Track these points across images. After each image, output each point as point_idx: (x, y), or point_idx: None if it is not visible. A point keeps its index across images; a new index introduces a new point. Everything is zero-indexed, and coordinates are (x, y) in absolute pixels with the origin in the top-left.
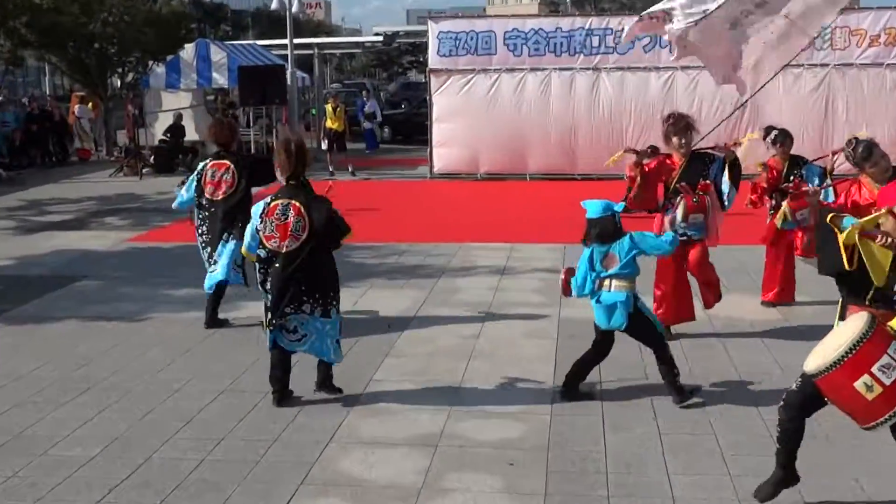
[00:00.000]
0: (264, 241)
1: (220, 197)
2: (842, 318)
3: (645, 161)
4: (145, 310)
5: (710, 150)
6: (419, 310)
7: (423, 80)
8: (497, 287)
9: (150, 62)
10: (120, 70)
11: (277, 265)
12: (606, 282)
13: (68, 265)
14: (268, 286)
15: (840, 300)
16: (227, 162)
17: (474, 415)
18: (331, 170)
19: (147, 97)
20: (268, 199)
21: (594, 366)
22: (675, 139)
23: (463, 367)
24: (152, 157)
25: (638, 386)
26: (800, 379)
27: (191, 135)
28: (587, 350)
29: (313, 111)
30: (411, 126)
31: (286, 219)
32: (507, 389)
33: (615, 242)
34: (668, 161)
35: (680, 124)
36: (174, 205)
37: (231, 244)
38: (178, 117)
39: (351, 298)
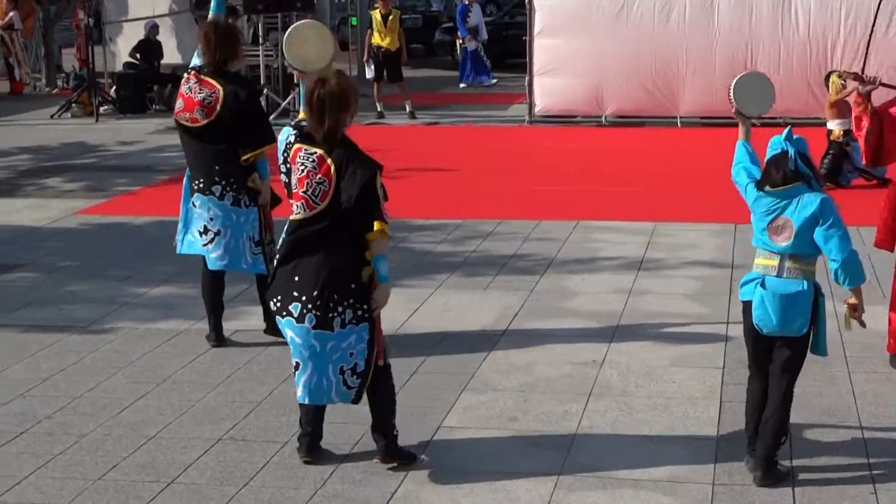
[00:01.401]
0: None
1: (199, 123)
2: None
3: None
4: (105, 316)
5: None
6: (512, 322)
7: None
8: (631, 289)
9: None
10: None
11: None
12: (773, 259)
13: None
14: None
15: None
16: (215, 83)
17: (595, 483)
18: (379, 108)
19: (106, 0)
20: (291, 134)
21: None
22: None
23: (579, 410)
24: (114, 90)
25: (845, 441)
26: None
27: (170, 56)
28: (749, 390)
29: (353, 21)
30: (500, 44)
31: (303, 171)
32: (646, 445)
33: (792, 199)
34: None
35: None
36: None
37: (214, 203)
38: (152, 30)
39: (410, 303)
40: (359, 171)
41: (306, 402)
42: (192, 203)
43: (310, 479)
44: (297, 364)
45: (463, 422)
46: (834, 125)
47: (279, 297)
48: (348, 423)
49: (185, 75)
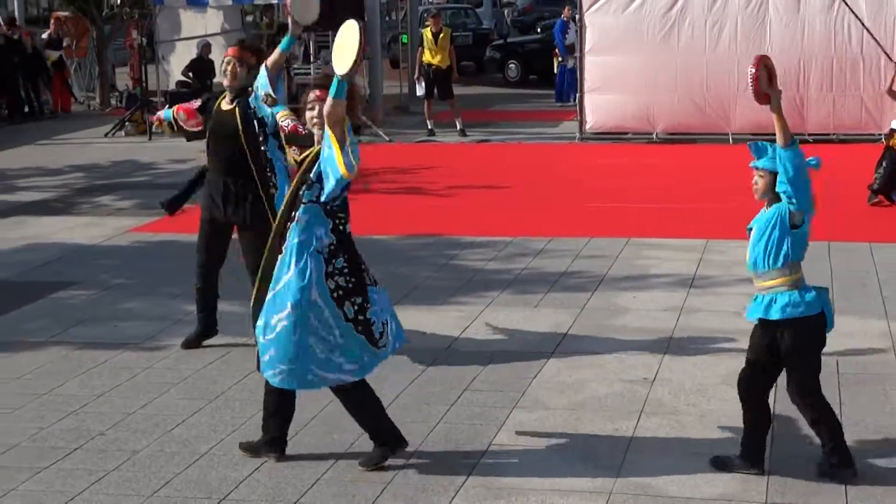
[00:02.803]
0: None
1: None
2: None
3: None
4: (158, 333)
5: None
6: (563, 340)
7: None
8: (682, 306)
9: None
10: None
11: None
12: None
13: (46, 267)
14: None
15: None
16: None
17: (647, 501)
18: (429, 125)
19: (159, 19)
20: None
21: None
22: None
23: (630, 427)
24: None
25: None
26: None
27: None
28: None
29: (404, 39)
30: (551, 60)
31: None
32: (697, 462)
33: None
34: None
35: None
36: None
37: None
38: (205, 48)
39: (461, 321)
40: None
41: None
42: None
43: (361, 497)
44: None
45: (513, 439)
46: None
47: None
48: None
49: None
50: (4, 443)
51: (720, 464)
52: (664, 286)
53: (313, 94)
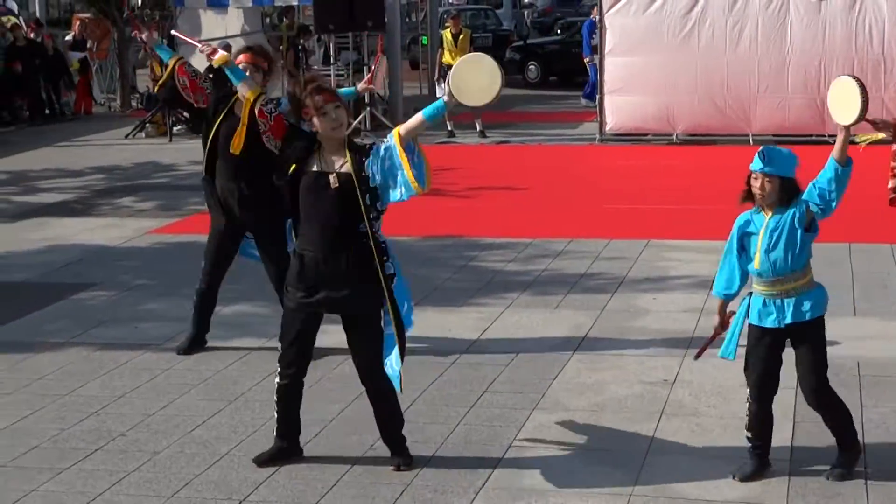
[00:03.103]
0: None
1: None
2: None
3: None
4: (178, 334)
5: None
6: (583, 341)
7: None
8: (703, 308)
9: None
10: None
11: None
12: None
13: (66, 268)
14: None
15: None
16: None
17: (666, 503)
18: (449, 127)
19: (180, 20)
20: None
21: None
22: None
23: (650, 429)
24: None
25: None
26: None
27: None
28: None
29: (424, 40)
30: (570, 61)
31: None
32: (718, 464)
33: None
34: None
35: None
36: None
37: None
38: (225, 50)
39: (481, 322)
40: None
41: None
42: None
43: (380, 498)
44: None
45: (533, 441)
46: None
47: None
48: (417, 443)
49: None
50: (25, 443)
51: (746, 478)
52: (684, 288)
53: (320, 98)
